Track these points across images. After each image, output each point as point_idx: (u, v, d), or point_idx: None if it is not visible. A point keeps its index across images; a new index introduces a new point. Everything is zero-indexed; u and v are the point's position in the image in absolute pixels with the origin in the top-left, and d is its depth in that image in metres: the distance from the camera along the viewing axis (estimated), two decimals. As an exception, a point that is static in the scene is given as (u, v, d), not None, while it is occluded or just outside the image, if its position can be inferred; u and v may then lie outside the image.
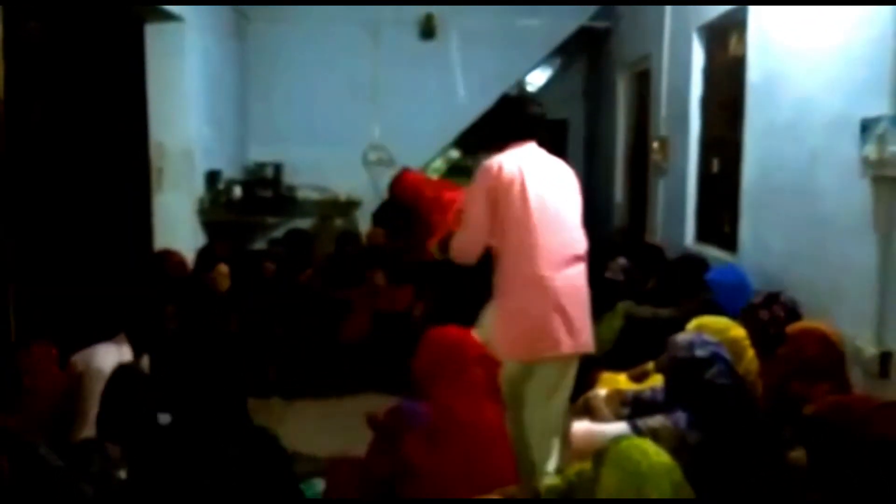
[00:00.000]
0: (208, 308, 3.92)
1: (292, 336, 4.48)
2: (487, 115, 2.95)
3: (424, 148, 6.46)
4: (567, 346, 2.65)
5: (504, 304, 2.71)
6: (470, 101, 6.36)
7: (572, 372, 2.78)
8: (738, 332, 2.67)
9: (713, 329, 2.61)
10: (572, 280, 2.72)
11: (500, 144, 2.83)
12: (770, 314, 2.97)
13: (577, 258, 2.77)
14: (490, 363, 2.38)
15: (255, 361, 4.13)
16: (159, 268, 4.11)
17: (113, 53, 4.42)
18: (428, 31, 6.45)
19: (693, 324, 2.71)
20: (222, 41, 5.72)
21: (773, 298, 3.03)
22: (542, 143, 2.88)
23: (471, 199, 2.76)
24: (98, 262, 4.08)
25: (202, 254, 4.43)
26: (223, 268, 4.05)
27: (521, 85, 2.99)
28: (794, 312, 2.99)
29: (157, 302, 3.79)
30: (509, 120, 2.90)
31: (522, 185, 2.67)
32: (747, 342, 2.67)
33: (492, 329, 2.73)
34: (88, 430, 2.58)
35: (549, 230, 2.69)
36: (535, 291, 2.63)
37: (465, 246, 2.79)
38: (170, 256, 4.22)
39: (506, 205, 2.67)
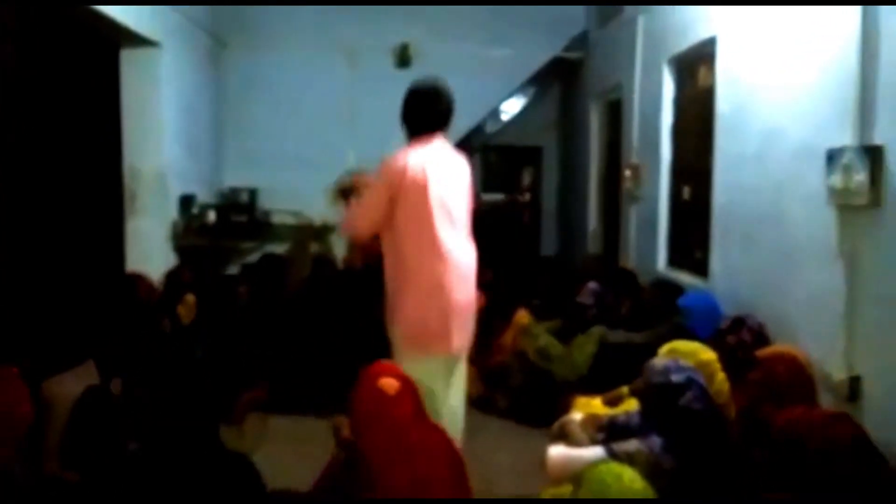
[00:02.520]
0: (173, 337, 3.88)
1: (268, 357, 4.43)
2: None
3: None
4: (454, 346, 2.82)
5: (405, 303, 2.77)
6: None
7: (461, 369, 2.96)
8: (708, 354, 2.71)
9: (684, 353, 2.65)
10: (466, 284, 2.83)
11: (409, 136, 2.88)
12: (737, 338, 3.02)
13: (469, 259, 2.86)
14: (411, 396, 2.38)
15: (225, 387, 4.06)
16: (130, 292, 4.06)
17: (88, 77, 4.41)
18: (404, 60, 6.52)
19: (665, 348, 2.74)
20: (198, 66, 5.72)
21: (739, 323, 3.08)
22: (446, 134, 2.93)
23: (372, 189, 2.80)
24: (69, 286, 4.03)
25: (169, 279, 4.39)
26: (190, 298, 4.02)
27: (430, 79, 2.94)
28: (761, 336, 3.04)
29: (126, 328, 3.74)
30: (418, 112, 2.89)
31: (425, 188, 2.70)
32: (717, 365, 2.70)
33: (392, 322, 2.82)
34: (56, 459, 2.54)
35: (448, 234, 2.75)
36: (435, 294, 2.73)
37: (356, 223, 2.85)
38: (140, 281, 4.16)
39: (406, 205, 2.71)
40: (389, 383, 2.29)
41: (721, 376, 2.69)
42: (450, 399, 2.91)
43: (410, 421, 2.31)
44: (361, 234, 2.90)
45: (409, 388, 2.36)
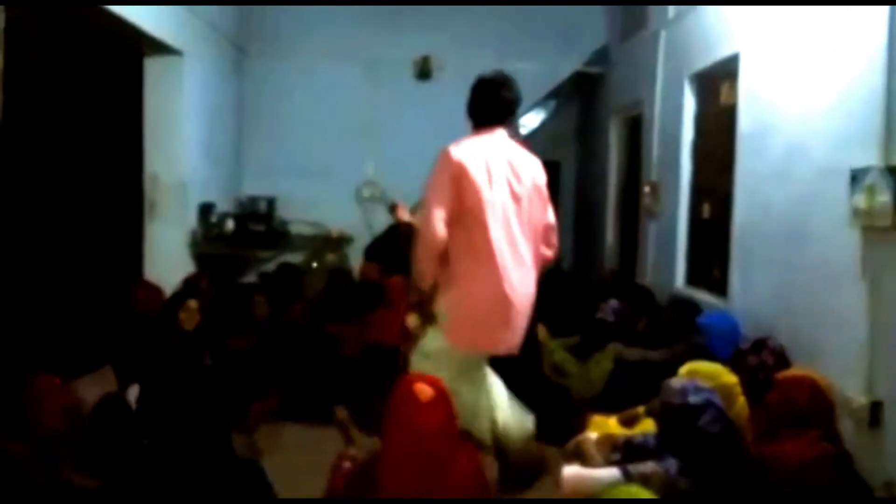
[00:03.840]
0: (177, 344, 3.88)
1: (279, 369, 4.42)
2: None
3: (418, 186, 6.50)
4: (503, 346, 2.81)
5: (456, 297, 2.75)
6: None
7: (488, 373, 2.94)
8: (729, 378, 2.67)
9: (705, 375, 2.61)
10: (524, 283, 2.78)
11: (474, 126, 2.84)
12: (759, 360, 2.97)
13: (528, 259, 2.81)
14: (443, 408, 2.37)
15: (236, 394, 4.06)
16: (127, 301, 4.10)
17: (111, 85, 4.46)
18: (424, 72, 6.54)
19: (685, 369, 2.70)
20: (220, 75, 5.77)
21: (761, 344, 3.04)
22: (511, 129, 2.89)
23: (432, 184, 2.74)
24: (88, 293, 4.06)
25: (186, 286, 4.41)
26: (192, 303, 4.02)
27: (497, 70, 2.91)
28: (782, 358, 3.00)
29: (137, 336, 3.77)
30: (481, 102, 2.86)
31: (485, 181, 2.66)
32: (739, 389, 2.66)
33: (442, 314, 2.78)
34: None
35: (507, 231, 2.70)
36: (489, 291, 2.69)
37: (430, 228, 2.68)
38: (137, 291, 4.17)
39: (463, 197, 2.66)
40: (424, 390, 2.31)
41: (741, 401, 2.64)
42: (492, 395, 2.92)
43: (436, 433, 2.30)
44: (439, 233, 2.67)
45: (444, 400, 2.36)
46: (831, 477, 2.08)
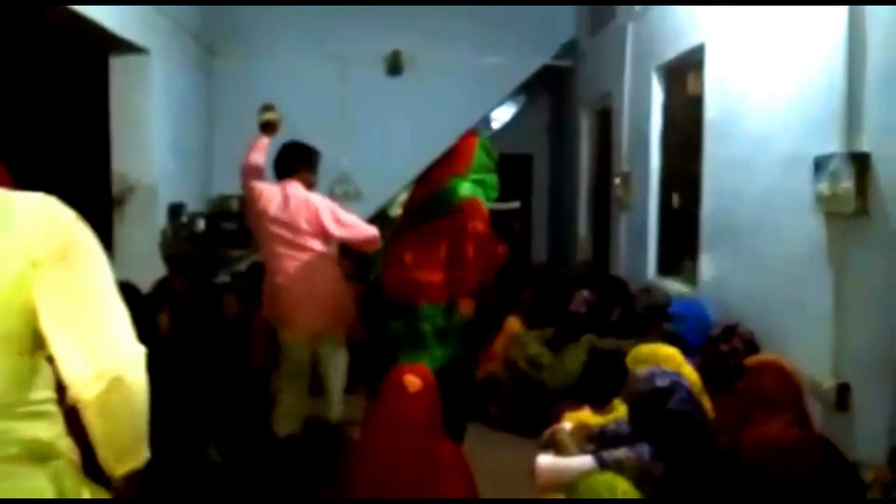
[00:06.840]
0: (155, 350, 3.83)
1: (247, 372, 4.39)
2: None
3: (391, 182, 6.50)
4: (301, 332, 3.65)
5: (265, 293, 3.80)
6: (436, 136, 6.41)
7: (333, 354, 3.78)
8: (667, 350, 2.76)
9: (644, 354, 2.72)
10: (307, 286, 3.61)
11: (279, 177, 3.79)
12: (729, 346, 3.02)
13: (310, 266, 3.63)
14: (429, 400, 2.39)
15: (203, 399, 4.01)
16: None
17: (77, 84, 4.39)
18: (395, 67, 6.52)
19: (629, 357, 2.78)
20: (188, 74, 5.71)
21: (731, 331, 3.08)
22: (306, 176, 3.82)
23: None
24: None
25: (160, 287, 4.36)
26: (167, 308, 4.00)
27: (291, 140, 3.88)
28: (752, 344, 3.05)
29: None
30: (278, 166, 3.85)
31: (266, 211, 3.66)
32: (681, 357, 2.73)
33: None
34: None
35: (283, 239, 3.63)
36: (276, 280, 3.68)
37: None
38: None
39: (258, 223, 3.73)
40: (412, 381, 2.35)
41: (688, 368, 2.71)
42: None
43: (420, 423, 2.32)
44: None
45: (431, 394, 2.37)
46: (817, 455, 2.10)
